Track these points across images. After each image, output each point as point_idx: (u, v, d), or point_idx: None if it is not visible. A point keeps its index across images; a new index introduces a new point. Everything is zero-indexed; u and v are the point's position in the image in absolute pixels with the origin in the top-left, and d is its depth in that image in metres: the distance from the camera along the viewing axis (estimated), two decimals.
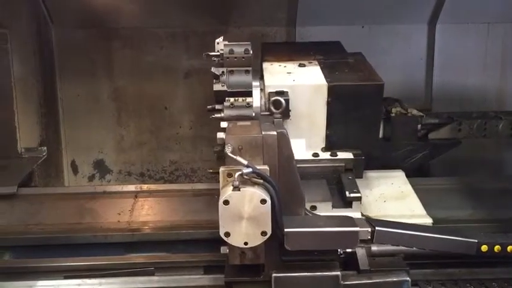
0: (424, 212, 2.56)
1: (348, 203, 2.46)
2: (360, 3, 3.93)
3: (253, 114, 2.55)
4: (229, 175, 2.02)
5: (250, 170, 1.96)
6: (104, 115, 4.15)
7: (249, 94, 2.60)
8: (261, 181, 1.98)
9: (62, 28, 3.98)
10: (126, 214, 3.00)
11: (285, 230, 1.99)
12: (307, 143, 2.72)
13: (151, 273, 2.53)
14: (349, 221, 2.06)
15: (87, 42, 4.02)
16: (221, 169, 2.04)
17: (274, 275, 2.09)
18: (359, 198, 2.44)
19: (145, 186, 3.26)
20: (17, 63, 3.58)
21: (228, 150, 2.03)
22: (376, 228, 2.05)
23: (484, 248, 2.06)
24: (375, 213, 2.54)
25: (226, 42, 2.65)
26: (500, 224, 2.73)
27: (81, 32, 4.01)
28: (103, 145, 4.22)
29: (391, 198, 2.69)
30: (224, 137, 2.14)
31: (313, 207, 2.45)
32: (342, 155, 2.67)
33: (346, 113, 2.58)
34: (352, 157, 2.66)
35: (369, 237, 2.05)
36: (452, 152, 3.44)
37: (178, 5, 3.89)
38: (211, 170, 2.81)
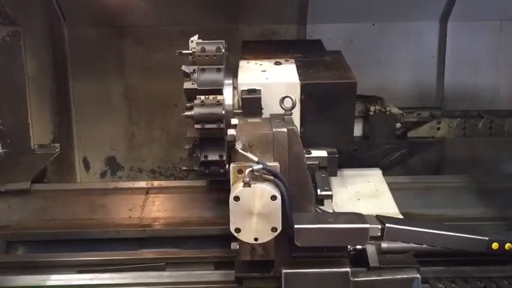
0: (396, 210, 2.57)
1: (319, 201, 2.44)
2: (370, 1, 3.91)
3: (223, 113, 2.56)
4: (240, 171, 2.03)
5: (260, 166, 1.98)
6: (115, 112, 4.18)
7: (220, 92, 2.61)
8: (272, 177, 2.00)
9: (74, 26, 4.01)
10: (137, 210, 3.03)
11: (295, 226, 2.00)
12: None
13: (162, 269, 2.55)
14: (359, 217, 2.06)
15: (99, 40, 4.05)
16: (232, 165, 2.06)
17: (284, 271, 2.10)
18: (330, 196, 2.42)
19: (156, 183, 3.28)
20: (30, 61, 3.62)
21: (239, 146, 2.05)
22: (387, 225, 2.05)
23: (495, 245, 2.06)
24: (347, 211, 2.52)
25: (200, 41, 2.67)
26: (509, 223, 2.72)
27: (93, 30, 4.04)
28: (114, 142, 4.25)
29: (366, 196, 2.69)
30: (235, 133, 2.15)
31: None
32: (316, 153, 2.66)
33: (320, 111, 2.57)
34: (326, 155, 2.65)
35: (379, 234, 2.05)
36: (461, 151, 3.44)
37: (190, 3, 3.90)
38: (185, 168, 2.84)
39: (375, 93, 4.07)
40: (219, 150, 2.67)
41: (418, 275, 2.10)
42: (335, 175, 2.67)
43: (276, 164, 2.05)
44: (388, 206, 2.59)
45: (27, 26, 3.58)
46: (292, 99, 2.33)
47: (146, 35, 4.08)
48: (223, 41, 2.71)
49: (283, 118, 2.28)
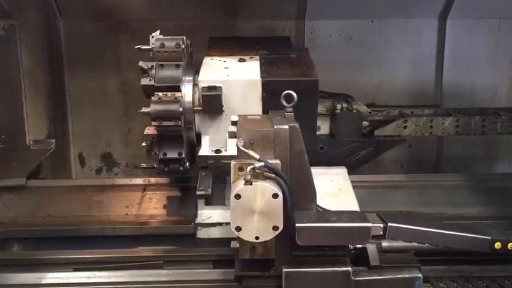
0: (358, 209, 2.55)
1: None
2: None
3: (181, 110, 2.54)
4: (241, 169, 2.00)
5: (262, 164, 1.95)
6: (111, 108, 4.14)
7: (179, 89, 2.58)
8: (273, 175, 1.97)
9: (70, 21, 3.96)
10: (134, 207, 3.00)
11: (297, 224, 1.98)
12: None
13: (160, 267, 2.52)
14: (361, 216, 2.04)
15: (95, 35, 4.00)
16: (232, 163, 2.03)
17: (284, 270, 2.08)
18: None
19: (153, 180, 3.25)
20: (25, 55, 3.57)
21: (240, 144, 2.02)
22: (389, 224, 2.03)
23: (498, 245, 2.04)
24: None
25: (161, 36, 2.65)
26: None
27: (89, 25, 3.99)
28: (110, 138, 4.21)
29: (328, 195, 2.68)
30: (235, 130, 2.12)
31: None
32: None
33: (281, 108, 2.54)
34: None
35: (381, 232, 2.03)
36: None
37: None
38: (144, 165, 2.82)
39: (374, 91, 4.08)
40: (178, 148, 2.65)
41: (420, 275, 2.08)
42: None
43: (278, 161, 2.03)
44: (349, 205, 2.57)
45: (23, 20, 3.53)
46: (293, 96, 2.30)
47: (143, 30, 4.00)
48: (184, 37, 2.70)
49: (284, 115, 2.25)
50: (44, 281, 2.44)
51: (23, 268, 2.53)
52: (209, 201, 2.72)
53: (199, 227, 2.69)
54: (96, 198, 3.07)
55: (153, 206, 3.03)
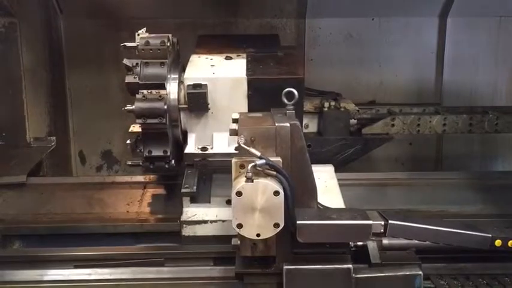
0: (343, 207, 2.54)
1: None
2: None
3: (165, 108, 2.54)
4: (242, 166, 2.01)
5: (263, 161, 1.95)
6: (111, 106, 4.13)
7: (163, 87, 2.57)
8: (274, 173, 1.97)
9: (70, 18, 3.96)
10: (135, 205, 3.00)
11: (298, 222, 1.98)
12: (229, 136, 2.69)
13: (161, 264, 2.52)
14: (361, 214, 2.04)
15: (95, 32, 4.00)
16: (233, 160, 2.03)
17: (285, 267, 2.08)
18: None
19: (154, 177, 3.25)
20: (26, 53, 3.57)
21: (241, 141, 2.02)
22: (389, 221, 2.03)
23: (498, 242, 2.05)
24: None
25: (146, 34, 2.64)
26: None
27: (90, 22, 3.99)
28: (111, 136, 4.21)
29: None
30: (237, 128, 2.13)
31: (230, 201, 2.45)
32: None
33: (267, 106, 2.48)
34: None
35: (382, 230, 2.04)
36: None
37: None
38: (130, 163, 2.82)
39: (375, 89, 4.08)
40: (163, 145, 2.65)
41: (421, 272, 2.08)
42: None
43: (279, 159, 2.03)
44: (335, 203, 2.56)
45: (24, 18, 3.53)
46: (294, 94, 2.30)
47: (143, 28, 4.03)
48: (170, 35, 2.70)
49: (285, 113, 2.25)
50: (45, 278, 2.45)
51: (23, 265, 2.53)
52: (195, 199, 2.71)
53: (184, 225, 2.68)
54: (97, 196, 3.08)
55: (153, 203, 3.03)
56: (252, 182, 1.93)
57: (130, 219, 2.88)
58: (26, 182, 3.15)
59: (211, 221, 2.67)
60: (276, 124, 2.08)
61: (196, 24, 4.00)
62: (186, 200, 2.71)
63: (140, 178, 3.25)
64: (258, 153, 1.97)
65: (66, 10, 3.93)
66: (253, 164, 1.94)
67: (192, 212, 2.70)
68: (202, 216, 2.69)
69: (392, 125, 3.25)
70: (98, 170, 4.25)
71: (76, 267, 2.51)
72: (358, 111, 3.23)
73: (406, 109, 3.42)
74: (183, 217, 2.70)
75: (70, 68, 4.05)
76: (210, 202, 2.72)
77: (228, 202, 2.58)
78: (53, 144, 3.66)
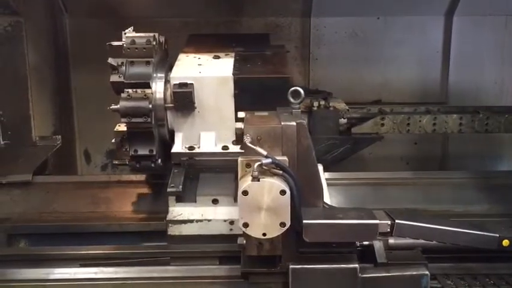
0: None
1: None
2: None
3: (150, 107, 2.53)
4: (248, 165, 2.00)
5: (269, 160, 1.95)
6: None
7: (149, 86, 2.57)
8: (280, 172, 1.97)
9: (75, 17, 3.97)
10: (140, 203, 3.00)
11: (304, 221, 1.98)
12: (217, 136, 2.71)
13: (167, 263, 2.52)
14: (368, 213, 2.04)
15: (100, 31, 3.99)
16: (240, 159, 2.02)
17: (291, 266, 2.08)
18: None
19: (159, 176, 3.24)
20: (31, 52, 3.57)
21: (247, 140, 2.02)
22: (396, 221, 2.03)
23: (506, 242, 2.04)
24: None
25: (133, 34, 2.63)
26: None
27: (95, 22, 3.99)
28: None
29: None
30: (242, 127, 2.12)
31: (215, 201, 2.44)
32: None
33: (253, 105, 2.47)
34: None
35: (389, 229, 2.03)
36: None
37: None
38: (116, 162, 2.82)
39: (379, 88, 4.07)
40: (149, 144, 2.65)
41: (427, 272, 2.08)
42: None
43: (285, 158, 2.02)
44: None
45: (29, 17, 3.54)
46: (300, 92, 2.29)
47: (148, 27, 4.01)
48: (156, 34, 2.69)
49: (291, 111, 2.25)
50: (50, 277, 2.45)
51: (29, 264, 2.54)
52: (181, 199, 2.70)
53: (170, 224, 2.67)
54: (102, 195, 3.08)
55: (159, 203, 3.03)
56: (258, 181, 1.93)
57: (136, 218, 2.88)
58: (32, 180, 3.15)
59: (197, 221, 2.66)
60: (282, 123, 2.08)
61: (200, 23, 4.00)
62: (171, 200, 2.70)
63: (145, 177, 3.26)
64: (264, 152, 1.97)
65: (72, 9, 3.94)
66: (259, 163, 1.94)
67: (177, 211, 2.69)
68: (188, 215, 2.68)
69: (382, 125, 3.24)
70: (102, 168, 4.25)
71: (81, 265, 2.51)
72: (348, 110, 3.22)
73: (398, 108, 3.40)
74: (169, 216, 2.68)
75: (75, 67, 4.05)
76: (196, 201, 2.70)
77: (214, 201, 2.59)
78: (58, 143, 3.66)
